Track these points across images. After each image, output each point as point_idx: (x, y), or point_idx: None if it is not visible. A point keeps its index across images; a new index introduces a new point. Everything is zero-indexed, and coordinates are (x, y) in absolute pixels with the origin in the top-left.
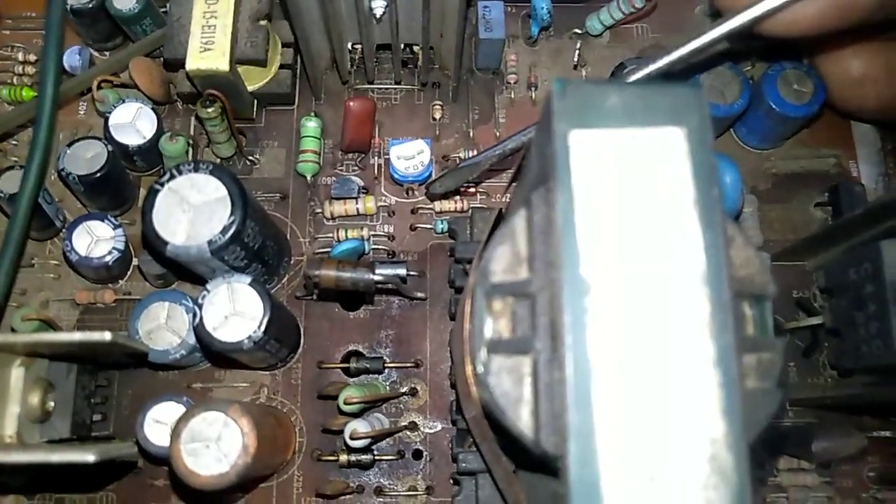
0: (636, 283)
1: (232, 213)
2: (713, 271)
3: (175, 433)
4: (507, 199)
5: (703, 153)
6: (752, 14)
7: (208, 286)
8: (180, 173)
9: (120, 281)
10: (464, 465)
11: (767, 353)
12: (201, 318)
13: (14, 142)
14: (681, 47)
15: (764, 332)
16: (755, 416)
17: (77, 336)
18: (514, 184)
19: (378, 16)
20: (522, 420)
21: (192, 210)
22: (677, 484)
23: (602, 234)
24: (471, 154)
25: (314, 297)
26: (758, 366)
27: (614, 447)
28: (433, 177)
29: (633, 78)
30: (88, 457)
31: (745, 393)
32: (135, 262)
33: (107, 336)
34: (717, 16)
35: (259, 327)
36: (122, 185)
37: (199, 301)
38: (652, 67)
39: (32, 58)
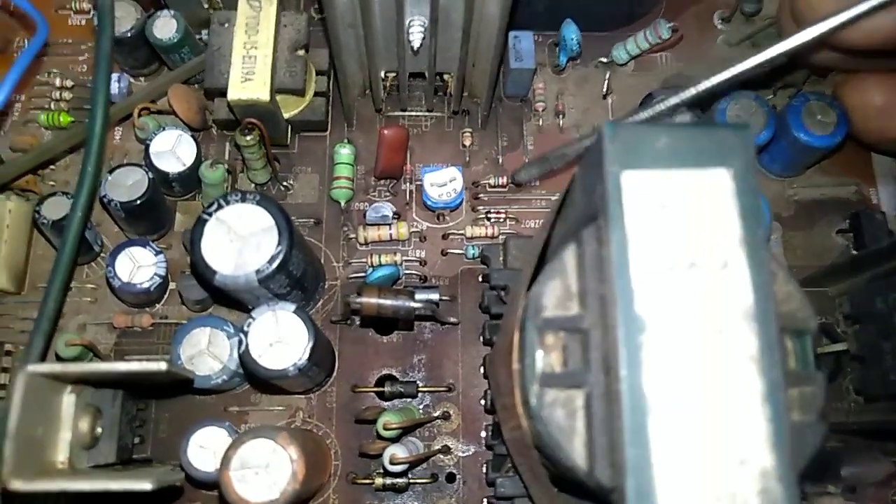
0: (688, 319)
1: (279, 243)
2: (761, 308)
3: (225, 460)
4: (539, 225)
5: (748, 193)
6: (835, 22)
7: (253, 314)
8: (227, 203)
9: (157, 305)
10: (501, 489)
11: (809, 386)
12: (247, 346)
13: (52, 167)
14: (757, 56)
15: (806, 366)
16: (800, 450)
17: (135, 366)
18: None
19: (416, 48)
20: (576, 452)
21: (240, 240)
22: None
23: (654, 271)
24: (501, 181)
25: (350, 322)
26: (801, 399)
27: (670, 481)
28: (463, 203)
29: (693, 91)
30: (146, 485)
31: (791, 426)
32: (172, 286)
33: (163, 366)
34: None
35: (304, 354)
36: (161, 210)
37: (245, 328)
38: (725, 76)
39: (69, 83)
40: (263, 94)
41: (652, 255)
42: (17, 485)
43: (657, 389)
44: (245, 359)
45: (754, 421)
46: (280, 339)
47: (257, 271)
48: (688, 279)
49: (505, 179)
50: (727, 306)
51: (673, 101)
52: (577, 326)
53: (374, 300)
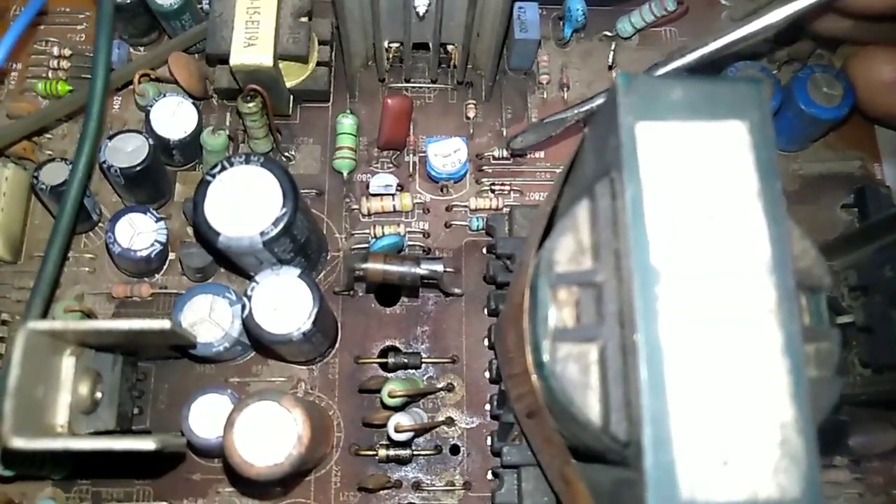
0: (704, 271)
1: (284, 205)
2: (778, 261)
3: (229, 423)
4: (543, 197)
5: (765, 147)
6: None
7: (257, 278)
8: (231, 165)
9: (156, 275)
10: (508, 458)
11: (825, 342)
12: (251, 310)
13: (49, 136)
14: (757, 20)
15: (820, 323)
16: (818, 405)
17: (138, 324)
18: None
19: (421, 14)
20: (590, 407)
21: (244, 201)
22: (750, 468)
23: (670, 223)
24: (505, 153)
25: (353, 293)
26: (816, 355)
27: (688, 432)
28: (467, 175)
29: (689, 58)
30: (149, 444)
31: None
32: (171, 256)
33: (167, 324)
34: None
35: (308, 319)
36: (161, 179)
37: (248, 293)
38: (723, 41)
39: (67, 52)
40: (266, 59)
41: (667, 207)
42: (19, 443)
43: (674, 340)
44: (248, 323)
45: (773, 373)
46: (285, 303)
47: (262, 233)
48: (703, 231)
49: (508, 153)
50: (744, 259)
51: (674, 65)
52: (590, 280)
53: (379, 266)
